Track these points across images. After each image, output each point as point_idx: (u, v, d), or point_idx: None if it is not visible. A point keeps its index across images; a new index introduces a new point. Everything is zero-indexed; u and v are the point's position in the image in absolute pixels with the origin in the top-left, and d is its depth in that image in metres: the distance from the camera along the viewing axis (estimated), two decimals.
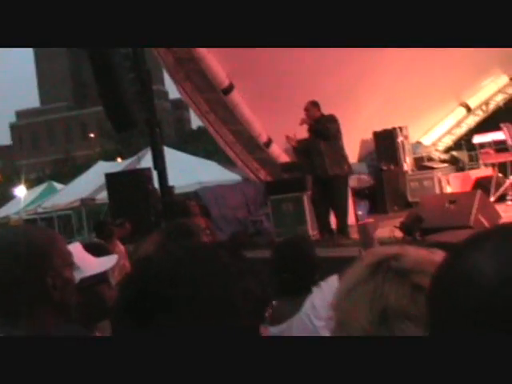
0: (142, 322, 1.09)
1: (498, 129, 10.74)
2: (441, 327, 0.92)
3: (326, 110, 11.19)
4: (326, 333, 2.44)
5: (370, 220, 9.25)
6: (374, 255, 1.42)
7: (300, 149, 10.01)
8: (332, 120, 9.70)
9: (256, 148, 12.98)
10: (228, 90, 11.74)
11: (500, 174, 11.59)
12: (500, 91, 16.77)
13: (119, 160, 34.82)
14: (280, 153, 12.70)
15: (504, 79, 16.54)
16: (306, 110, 9.71)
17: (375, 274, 1.35)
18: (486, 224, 7.84)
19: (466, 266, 0.91)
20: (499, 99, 16.89)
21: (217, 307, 1.12)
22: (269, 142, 12.59)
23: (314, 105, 9.76)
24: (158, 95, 60.22)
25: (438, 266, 0.96)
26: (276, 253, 3.64)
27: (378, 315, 1.28)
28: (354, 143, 13.88)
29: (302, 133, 9.89)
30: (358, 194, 12.45)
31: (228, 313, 1.13)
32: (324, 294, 3.23)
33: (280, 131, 12.13)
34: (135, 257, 3.18)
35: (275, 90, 11.56)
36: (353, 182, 12.52)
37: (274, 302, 3.10)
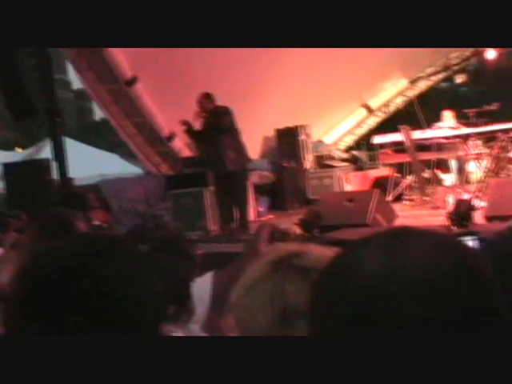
0: (38, 317, 1.04)
1: (397, 130, 10.99)
2: (326, 320, 0.90)
3: (232, 106, 11.19)
4: (197, 330, 2.39)
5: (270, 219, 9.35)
6: (276, 252, 1.39)
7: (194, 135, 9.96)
8: (225, 112, 9.55)
9: (158, 141, 12.84)
10: (131, 81, 11.56)
11: (397, 174, 11.89)
12: (400, 94, 17.22)
13: (19, 150, 33.77)
14: (182, 147, 12.61)
15: (404, 82, 17.00)
16: (199, 102, 9.56)
17: (276, 271, 1.32)
18: (383, 222, 8.03)
19: (351, 259, 0.90)
20: (399, 101, 17.35)
21: (119, 303, 1.07)
22: (171, 136, 12.47)
23: (207, 97, 9.61)
24: (61, 84, 58.68)
25: (327, 263, 0.95)
26: (152, 249, 3.49)
27: (279, 314, 1.25)
28: (256, 140, 13.94)
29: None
30: (259, 190, 12.51)
31: (130, 309, 1.08)
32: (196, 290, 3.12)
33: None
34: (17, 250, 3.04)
35: (179, 83, 11.45)
36: (254, 178, 12.58)
37: None
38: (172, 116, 12.00)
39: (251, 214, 11.51)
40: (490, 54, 16.54)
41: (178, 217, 10.58)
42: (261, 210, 12.26)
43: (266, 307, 1.27)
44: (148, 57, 10.74)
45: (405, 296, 0.84)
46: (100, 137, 44.83)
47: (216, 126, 9.41)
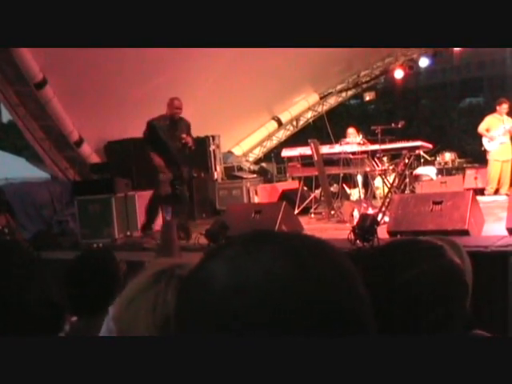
0: None
1: (306, 144, 11.13)
2: (185, 329, 0.91)
3: (139, 115, 11.07)
4: None
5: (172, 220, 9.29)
6: (159, 264, 1.40)
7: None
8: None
9: (66, 146, 12.58)
10: (41, 84, 11.28)
11: (305, 188, 12.04)
12: (310, 109, 17.50)
13: None
14: (90, 153, 12.40)
15: (314, 97, 17.28)
16: (181, 108, 9.62)
17: (159, 281, 1.32)
18: None
19: (204, 272, 0.90)
20: (309, 116, 17.62)
21: (8, 311, 1.03)
22: (80, 141, 12.24)
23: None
24: None
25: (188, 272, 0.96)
26: (71, 265, 3.17)
27: (162, 323, 1.24)
28: None
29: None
30: (167, 199, 12.42)
31: (21, 317, 1.04)
32: None
33: (92, 131, 11.87)
34: None
35: (89, 88, 11.27)
36: (164, 187, 12.50)
37: (73, 319, 2.93)
38: (81, 121, 11.80)
39: (158, 223, 11.44)
40: (398, 73, 17.03)
41: (84, 223, 10.39)
42: (168, 218, 12.17)
43: (148, 316, 1.27)
44: (59, 59, 10.53)
45: (249, 311, 0.85)
46: (6, 139, 43.62)
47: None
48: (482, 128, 12.97)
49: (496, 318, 5.43)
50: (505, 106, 12.80)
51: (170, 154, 9.52)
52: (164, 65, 11.19)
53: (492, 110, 13.20)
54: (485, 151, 13.05)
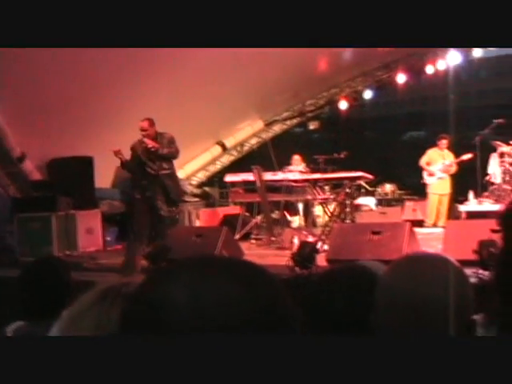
0: None
1: (249, 170, 11.19)
2: None
3: (83, 134, 11.00)
4: None
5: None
6: (105, 283, 1.41)
7: (129, 166, 9.82)
8: (173, 140, 9.74)
9: (8, 162, 12.37)
10: None
11: (247, 213, 12.09)
12: (255, 135, 17.60)
13: None
14: (32, 169, 12.22)
15: (259, 124, 17.40)
16: (144, 129, 9.53)
17: (104, 299, 1.33)
18: None
19: (160, 295, 0.93)
20: (254, 142, 17.72)
21: None
22: (22, 157, 12.05)
23: (151, 123, 9.65)
24: None
25: (135, 292, 0.99)
26: (23, 271, 3.29)
27: None
28: (109, 169, 13.75)
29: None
30: (108, 219, 12.33)
31: None
32: None
33: (35, 147, 11.69)
34: None
35: (34, 104, 11.13)
36: (104, 207, 12.40)
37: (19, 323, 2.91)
38: (24, 137, 11.63)
39: (99, 244, 11.32)
40: (343, 104, 17.31)
41: (24, 241, 10.23)
42: (109, 239, 12.07)
43: (92, 333, 1.28)
44: (3, 75, 10.39)
45: (206, 332, 0.88)
46: None
47: (173, 156, 9.69)
48: (423, 161, 13.31)
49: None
50: (444, 142, 13.20)
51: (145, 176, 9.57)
52: (110, 86, 11.15)
53: (433, 144, 13.55)
54: (424, 184, 13.37)
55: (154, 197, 9.47)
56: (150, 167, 9.53)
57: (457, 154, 13.25)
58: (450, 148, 13.37)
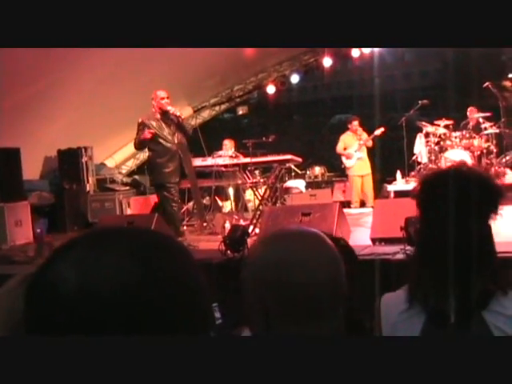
0: None
1: None
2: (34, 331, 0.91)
3: (10, 124, 10.77)
4: None
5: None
6: (29, 270, 1.41)
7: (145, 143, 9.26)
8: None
9: None
10: None
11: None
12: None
13: None
14: None
15: (188, 110, 17.33)
16: (166, 97, 9.22)
17: (19, 286, 1.33)
18: None
19: (51, 275, 0.91)
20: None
21: None
22: None
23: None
24: None
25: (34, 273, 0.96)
26: None
27: (16, 325, 1.25)
28: (37, 160, 13.54)
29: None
30: (38, 211, 12.14)
31: None
32: None
33: None
34: None
35: None
36: (33, 199, 12.21)
37: None
38: None
39: (29, 236, 11.15)
40: (271, 88, 17.39)
41: None
42: (38, 231, 11.89)
43: (5, 317, 1.28)
44: None
45: (98, 314, 0.87)
46: None
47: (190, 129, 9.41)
48: (339, 148, 13.56)
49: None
50: (355, 123, 13.47)
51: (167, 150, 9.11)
52: (35, 75, 10.94)
53: (345, 129, 13.80)
54: (345, 168, 13.64)
55: (171, 173, 9.11)
56: (168, 141, 9.13)
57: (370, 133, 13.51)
58: (363, 127, 13.64)
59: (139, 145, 9.50)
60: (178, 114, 9.00)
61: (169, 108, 9.02)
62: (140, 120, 9.30)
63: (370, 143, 13.37)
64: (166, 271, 0.93)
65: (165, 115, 9.09)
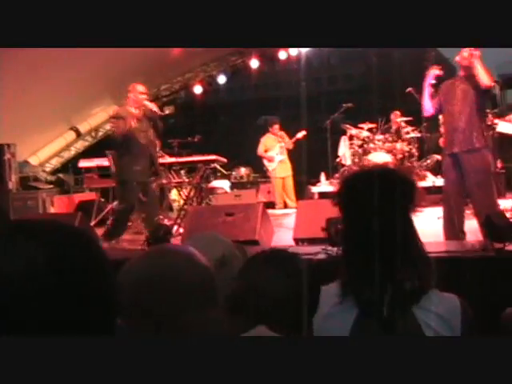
0: None
1: (104, 155, 11.10)
2: None
3: None
4: None
5: None
6: None
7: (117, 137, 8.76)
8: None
9: None
10: None
11: (103, 199, 11.98)
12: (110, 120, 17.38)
13: None
14: None
15: (114, 109, 17.17)
16: (145, 92, 8.77)
17: None
18: None
19: None
20: (108, 128, 17.49)
21: None
22: None
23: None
24: None
25: None
26: None
27: None
28: None
29: None
30: None
31: None
32: None
33: None
34: None
35: None
36: None
37: None
38: None
39: None
40: (198, 89, 17.42)
41: None
42: None
43: None
44: None
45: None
46: None
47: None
48: (260, 150, 13.75)
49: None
50: (276, 126, 13.72)
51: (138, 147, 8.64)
52: None
53: (266, 131, 14.00)
54: (267, 170, 13.83)
55: (143, 171, 8.70)
56: (141, 138, 8.63)
57: (293, 135, 13.73)
58: (284, 130, 13.87)
59: (116, 137, 8.83)
60: (154, 109, 8.59)
61: (146, 103, 8.63)
62: (115, 111, 8.91)
63: (291, 146, 13.60)
64: (69, 259, 0.99)
65: (141, 110, 8.64)
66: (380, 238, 2.10)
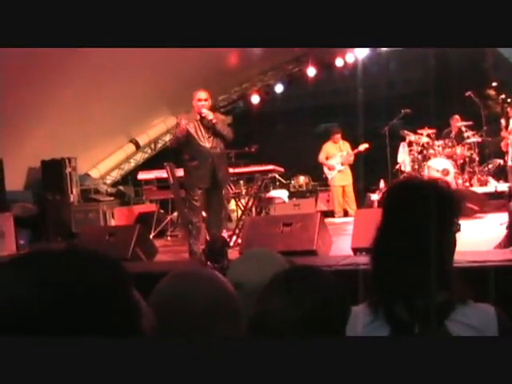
0: None
1: (163, 167, 11.19)
2: None
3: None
4: None
5: None
6: None
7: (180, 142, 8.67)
8: (226, 122, 9.03)
9: None
10: None
11: (162, 211, 12.08)
12: (168, 131, 17.52)
13: None
14: None
15: (172, 121, 17.32)
16: (204, 99, 8.56)
17: None
18: (143, 257, 8.14)
19: None
20: (167, 139, 17.65)
21: None
22: None
23: (209, 94, 8.79)
24: None
25: None
26: None
27: None
28: (21, 170, 13.51)
29: None
30: (21, 222, 12.10)
31: None
32: None
33: None
34: None
35: None
36: (16, 210, 12.16)
37: None
38: None
39: (11, 248, 11.10)
40: (255, 98, 17.46)
41: None
42: (22, 242, 11.85)
43: None
44: None
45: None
46: None
47: (226, 132, 8.68)
48: (321, 157, 13.72)
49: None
50: (337, 136, 13.67)
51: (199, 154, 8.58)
52: (16, 87, 10.93)
53: (328, 139, 13.96)
54: (327, 178, 13.77)
55: (202, 179, 8.59)
56: (202, 143, 8.55)
57: (355, 144, 13.66)
58: (345, 138, 13.82)
59: (173, 142, 9.04)
60: (210, 117, 8.47)
61: (203, 111, 8.51)
62: (178, 118, 8.98)
63: (351, 159, 13.55)
64: (81, 294, 0.99)
65: (202, 117, 8.57)
66: (417, 251, 2.06)
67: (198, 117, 8.49)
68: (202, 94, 8.56)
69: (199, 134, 8.53)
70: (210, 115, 8.46)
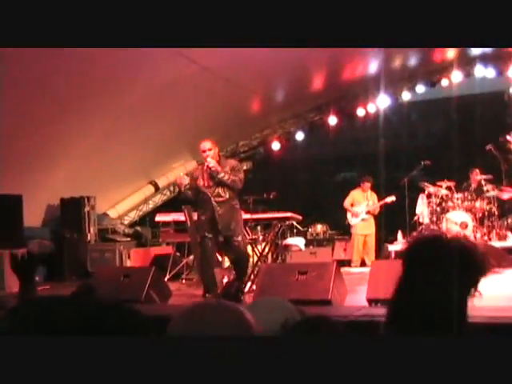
0: None
1: (181, 210, 11.22)
2: None
3: (16, 170, 10.83)
4: None
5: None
6: None
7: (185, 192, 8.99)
8: (239, 168, 9.14)
9: None
10: None
11: (178, 253, 12.07)
12: (188, 175, 17.60)
13: None
14: None
15: (193, 164, 17.41)
16: (206, 149, 8.79)
17: None
18: (157, 300, 8.11)
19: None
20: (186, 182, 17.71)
21: None
22: None
23: (214, 144, 8.92)
24: None
25: None
26: None
27: None
28: (40, 207, 13.58)
29: None
30: (37, 259, 12.10)
31: None
32: None
33: None
34: None
35: None
36: (33, 246, 12.19)
37: None
38: None
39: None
40: (275, 145, 17.52)
41: None
42: (37, 279, 11.83)
43: None
44: None
45: None
46: None
47: (230, 180, 8.81)
48: (347, 203, 13.67)
49: None
50: (367, 184, 13.63)
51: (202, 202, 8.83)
52: (38, 124, 11.05)
53: (357, 185, 13.93)
54: (349, 225, 13.70)
55: (204, 226, 8.81)
56: (204, 192, 8.81)
57: (383, 195, 13.61)
58: (374, 189, 13.77)
59: (179, 190, 9.48)
60: (210, 165, 8.70)
61: (209, 160, 8.76)
62: (191, 170, 9.24)
63: (377, 210, 13.52)
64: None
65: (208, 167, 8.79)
66: (431, 308, 2.05)
67: (206, 166, 8.72)
68: (203, 145, 8.84)
69: (202, 182, 8.82)
70: (210, 163, 8.65)
